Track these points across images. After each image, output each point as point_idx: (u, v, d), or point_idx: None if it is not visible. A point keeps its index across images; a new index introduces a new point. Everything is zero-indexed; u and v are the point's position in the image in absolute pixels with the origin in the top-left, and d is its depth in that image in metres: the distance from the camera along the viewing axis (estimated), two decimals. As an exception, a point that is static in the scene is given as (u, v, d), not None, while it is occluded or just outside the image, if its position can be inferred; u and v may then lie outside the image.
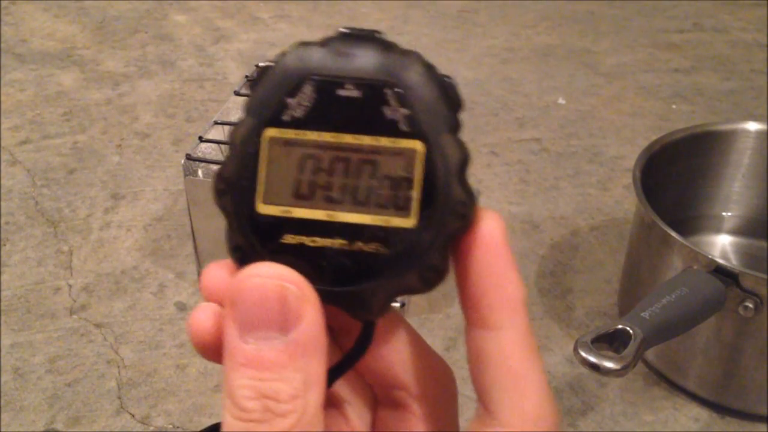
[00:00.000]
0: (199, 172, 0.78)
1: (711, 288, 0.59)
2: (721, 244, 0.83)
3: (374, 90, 0.20)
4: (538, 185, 0.98)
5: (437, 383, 0.26)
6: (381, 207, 0.21)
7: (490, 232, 0.22)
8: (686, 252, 0.64)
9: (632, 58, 1.29)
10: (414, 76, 0.20)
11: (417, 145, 0.20)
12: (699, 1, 1.48)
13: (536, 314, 0.79)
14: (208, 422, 0.69)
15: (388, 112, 0.20)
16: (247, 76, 0.89)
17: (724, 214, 0.83)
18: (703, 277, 0.60)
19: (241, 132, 0.21)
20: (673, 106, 1.15)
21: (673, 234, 0.64)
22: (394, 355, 0.25)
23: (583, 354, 0.52)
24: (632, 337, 0.54)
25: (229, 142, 0.22)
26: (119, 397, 0.70)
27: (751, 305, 0.60)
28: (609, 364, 0.52)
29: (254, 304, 0.21)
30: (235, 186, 0.22)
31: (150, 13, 1.44)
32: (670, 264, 0.66)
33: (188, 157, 0.76)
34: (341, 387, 0.26)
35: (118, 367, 0.73)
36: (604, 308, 0.80)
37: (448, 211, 0.20)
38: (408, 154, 0.20)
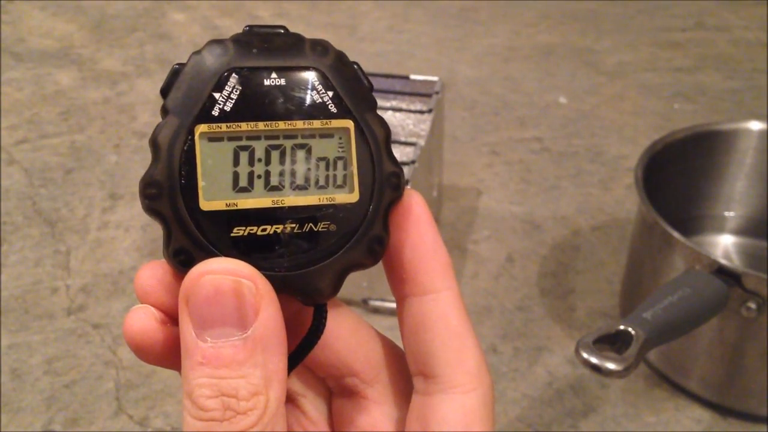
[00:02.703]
0: (198, 172, 0.77)
1: (713, 289, 0.59)
2: (724, 245, 0.82)
3: (299, 76, 0.21)
4: (539, 185, 0.98)
5: (388, 365, 0.26)
6: (323, 187, 0.21)
7: (418, 204, 0.23)
8: (688, 252, 0.63)
9: (634, 57, 1.29)
10: (332, 61, 0.21)
11: (348, 124, 0.21)
12: (701, 0, 1.47)
13: (537, 315, 0.79)
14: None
15: (315, 95, 0.21)
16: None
17: (726, 214, 0.82)
18: (705, 278, 0.59)
19: (166, 133, 0.21)
20: (675, 106, 1.15)
21: (675, 234, 0.64)
22: (339, 342, 0.25)
23: (585, 355, 0.52)
24: (634, 338, 0.53)
25: (153, 146, 0.21)
26: (117, 399, 0.70)
27: (753, 306, 0.60)
28: (611, 366, 0.52)
29: (209, 301, 0.21)
30: (169, 188, 0.21)
31: (148, 12, 1.43)
32: (672, 264, 0.65)
33: (186, 157, 0.76)
34: (294, 382, 0.26)
35: (116, 368, 0.73)
36: (606, 309, 0.79)
37: (385, 183, 0.22)
38: (341, 133, 0.21)
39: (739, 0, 1.47)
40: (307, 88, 0.21)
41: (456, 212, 0.93)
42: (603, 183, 0.98)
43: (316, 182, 0.21)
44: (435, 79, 0.86)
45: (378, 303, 0.78)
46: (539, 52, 1.30)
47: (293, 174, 0.21)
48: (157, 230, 0.90)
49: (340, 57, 0.22)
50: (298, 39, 0.22)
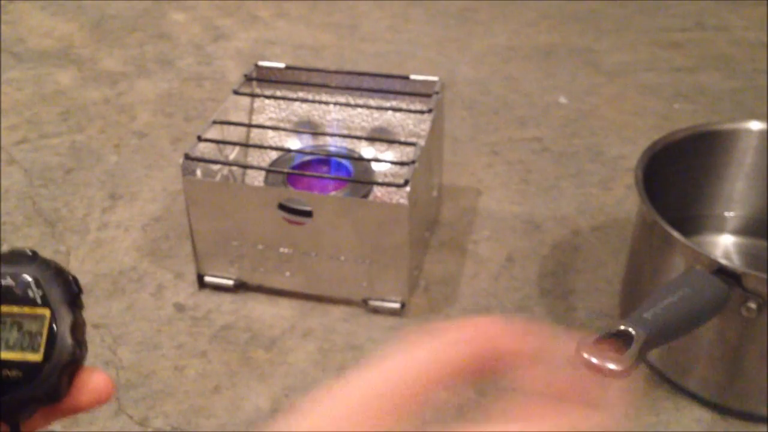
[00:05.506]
0: (198, 172, 0.77)
1: (713, 289, 0.59)
2: (724, 244, 0.82)
3: (22, 279, 0.32)
4: (539, 185, 0.98)
5: None
6: (22, 349, 0.31)
7: (98, 380, 0.31)
8: (688, 252, 0.63)
9: (634, 56, 1.29)
10: (46, 273, 0.32)
11: (46, 312, 0.32)
12: (701, 0, 1.47)
13: (537, 315, 0.79)
14: (207, 424, 0.68)
15: (30, 292, 0.32)
16: (245, 75, 0.88)
17: (726, 214, 0.82)
18: (705, 278, 0.59)
19: None
20: (675, 106, 1.15)
21: (675, 234, 0.64)
22: None
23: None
24: (634, 338, 0.53)
25: None
26: (117, 399, 0.70)
27: (753, 306, 0.60)
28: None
29: None
30: None
31: (148, 12, 1.43)
32: (673, 264, 0.65)
33: (187, 157, 0.76)
34: None
35: (117, 368, 0.73)
36: (606, 309, 0.79)
37: (63, 351, 0.31)
38: (40, 317, 0.32)
39: (739, 0, 1.47)
40: (26, 287, 0.32)
41: (456, 212, 0.93)
42: (603, 183, 0.98)
43: (20, 345, 0.31)
44: (435, 79, 0.86)
45: (378, 303, 0.78)
46: (539, 52, 1.30)
47: (8, 339, 0.31)
48: (156, 230, 0.91)
49: (55, 269, 0.32)
50: (33, 256, 0.32)
